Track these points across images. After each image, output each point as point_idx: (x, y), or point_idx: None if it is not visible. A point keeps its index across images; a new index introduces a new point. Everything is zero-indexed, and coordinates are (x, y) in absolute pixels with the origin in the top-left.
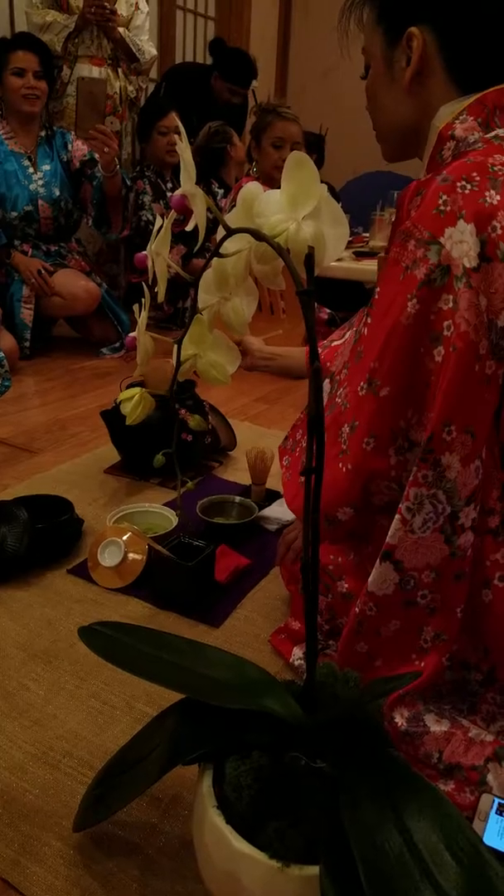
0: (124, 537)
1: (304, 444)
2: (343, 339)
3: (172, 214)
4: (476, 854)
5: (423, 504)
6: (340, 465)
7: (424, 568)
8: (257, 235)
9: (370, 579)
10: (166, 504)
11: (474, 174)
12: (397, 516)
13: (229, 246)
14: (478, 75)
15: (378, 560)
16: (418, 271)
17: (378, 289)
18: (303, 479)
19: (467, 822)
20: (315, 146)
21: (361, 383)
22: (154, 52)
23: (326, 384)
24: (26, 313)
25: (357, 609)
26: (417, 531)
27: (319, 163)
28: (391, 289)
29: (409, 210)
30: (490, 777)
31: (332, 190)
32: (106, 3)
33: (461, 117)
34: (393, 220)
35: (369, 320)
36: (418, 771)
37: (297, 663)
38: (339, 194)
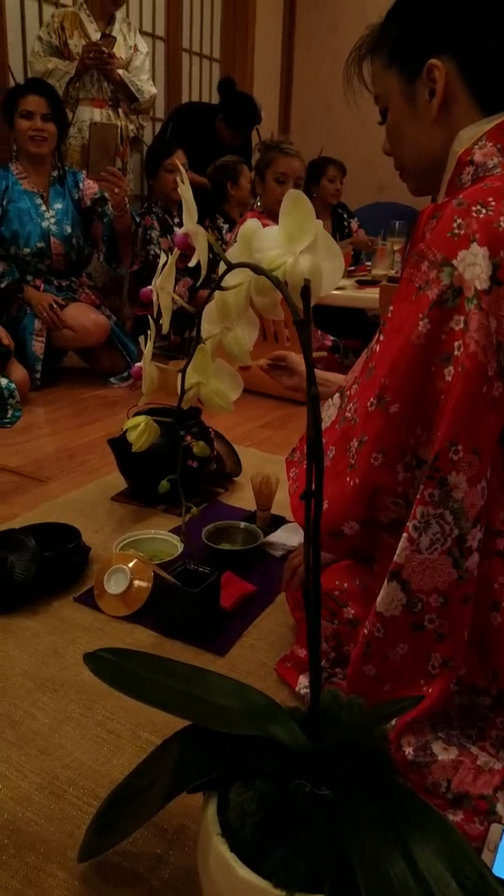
0: (130, 564)
1: None
2: None
3: (177, 251)
4: (482, 882)
5: (429, 523)
6: (348, 479)
7: (432, 591)
8: (256, 269)
9: (378, 599)
10: (172, 530)
11: (490, 199)
12: (405, 534)
13: (231, 279)
14: (502, 94)
15: (386, 580)
16: (430, 292)
17: (391, 307)
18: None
19: (474, 850)
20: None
21: (371, 399)
22: (154, 90)
23: (336, 398)
24: (38, 346)
25: (366, 631)
26: (424, 551)
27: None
28: (403, 308)
29: (424, 232)
30: (499, 807)
31: (346, 210)
32: (104, 48)
33: (480, 143)
34: (404, 243)
35: (381, 337)
36: (426, 801)
37: (302, 692)
38: (354, 212)
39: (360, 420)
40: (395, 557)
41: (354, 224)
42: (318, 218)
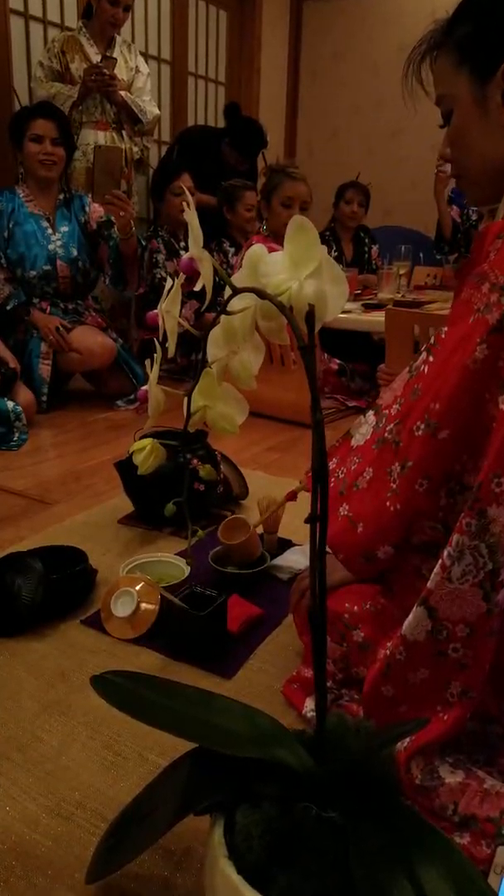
0: (137, 587)
1: (339, 475)
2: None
3: (183, 276)
4: None
5: (463, 554)
6: (388, 504)
7: (459, 621)
8: (261, 294)
9: (405, 622)
10: (179, 553)
11: None
12: (439, 561)
13: (236, 304)
14: None
15: (416, 604)
16: (490, 316)
17: (444, 327)
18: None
19: (479, 872)
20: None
21: (418, 423)
22: (157, 111)
23: (371, 416)
24: (44, 369)
25: (388, 652)
26: (455, 581)
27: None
28: (459, 329)
29: (488, 252)
30: None
31: (368, 234)
32: (105, 70)
33: None
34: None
35: (431, 359)
36: (434, 823)
37: (309, 715)
38: (373, 235)
39: (404, 443)
40: (428, 583)
41: (375, 251)
42: (339, 240)
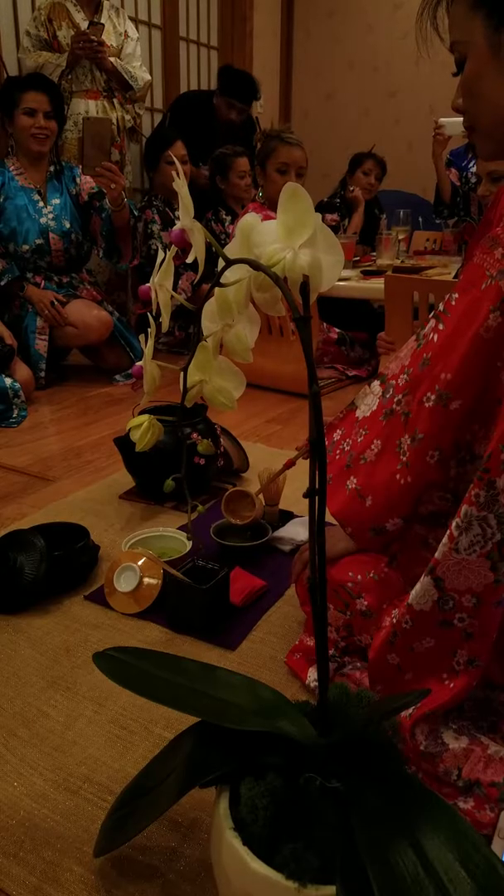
0: (139, 562)
1: (344, 447)
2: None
3: (174, 248)
4: (491, 870)
5: (471, 525)
6: (398, 476)
7: (465, 591)
8: (254, 265)
9: (412, 592)
10: (180, 528)
11: None
12: (447, 532)
13: (230, 275)
14: None
15: (423, 574)
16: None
17: (455, 294)
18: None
19: (482, 838)
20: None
21: (428, 393)
22: (147, 77)
23: (377, 386)
24: (40, 344)
25: (394, 620)
26: (462, 552)
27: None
28: (470, 296)
29: (502, 214)
30: None
31: (378, 205)
32: (93, 37)
33: None
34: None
35: (441, 326)
36: (438, 789)
37: (313, 685)
38: (381, 203)
39: (414, 415)
40: (435, 554)
41: (383, 221)
42: (350, 210)
